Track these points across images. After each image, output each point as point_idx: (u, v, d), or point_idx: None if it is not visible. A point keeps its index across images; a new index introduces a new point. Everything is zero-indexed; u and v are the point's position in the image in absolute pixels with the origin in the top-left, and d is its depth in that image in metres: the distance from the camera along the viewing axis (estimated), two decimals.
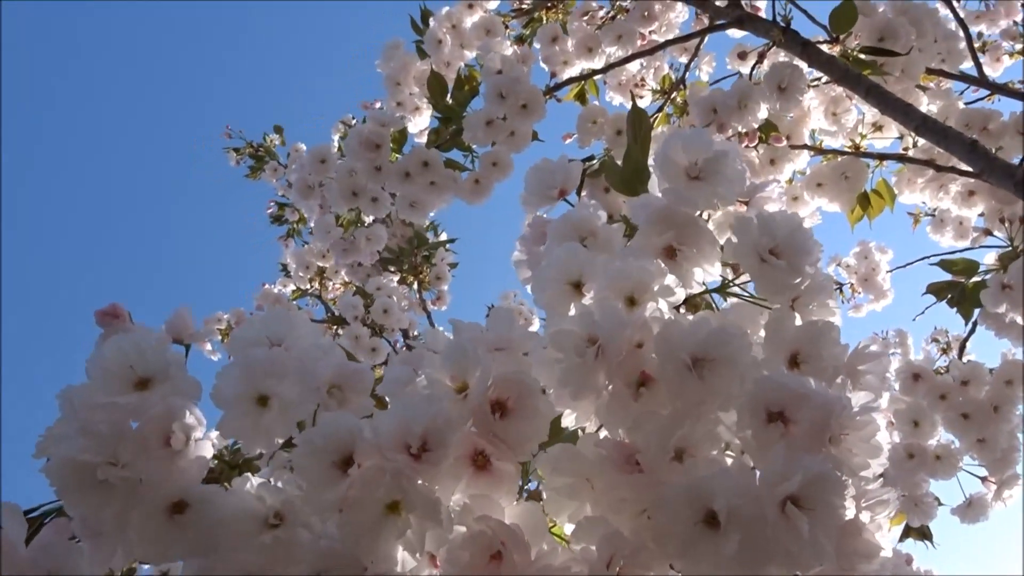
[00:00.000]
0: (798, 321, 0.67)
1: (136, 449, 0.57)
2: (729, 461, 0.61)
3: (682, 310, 0.74)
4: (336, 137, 3.38)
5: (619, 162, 0.93)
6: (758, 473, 0.56)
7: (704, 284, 0.73)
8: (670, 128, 2.18)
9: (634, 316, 0.64)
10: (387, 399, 0.74)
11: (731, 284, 0.73)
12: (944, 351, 2.15)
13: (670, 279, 0.67)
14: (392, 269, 3.05)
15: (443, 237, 3.26)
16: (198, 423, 0.60)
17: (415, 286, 3.18)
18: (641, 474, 0.59)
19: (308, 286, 3.41)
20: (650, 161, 0.85)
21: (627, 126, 1.01)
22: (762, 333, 0.67)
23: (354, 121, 2.90)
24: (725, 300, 0.74)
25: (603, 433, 0.65)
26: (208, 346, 3.56)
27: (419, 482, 0.57)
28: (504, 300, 3.49)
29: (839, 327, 0.65)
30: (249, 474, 0.61)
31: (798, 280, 0.66)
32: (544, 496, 0.64)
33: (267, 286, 3.51)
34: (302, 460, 0.58)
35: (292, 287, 3.45)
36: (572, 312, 0.68)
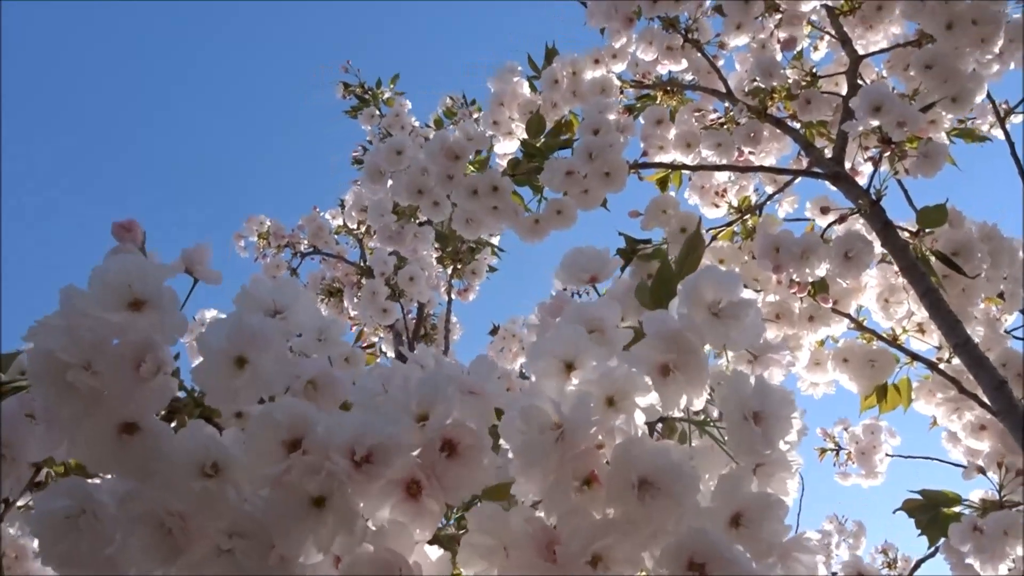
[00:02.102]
0: (754, 486, 0.69)
1: (109, 364, 0.59)
2: None
3: (659, 427, 0.76)
4: (440, 110, 3.42)
5: (671, 258, 0.95)
6: None
7: (684, 411, 0.75)
8: (731, 249, 2.19)
9: (606, 418, 0.66)
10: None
11: (711, 423, 0.75)
12: (889, 566, 2.13)
13: (653, 397, 0.69)
14: (437, 245, 3.06)
15: (495, 240, 3.28)
16: (170, 361, 0.62)
17: (450, 270, 3.19)
18: (554, 565, 0.61)
19: (355, 226, 3.44)
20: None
21: (685, 243, 1.02)
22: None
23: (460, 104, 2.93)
24: (700, 436, 0.75)
25: (541, 512, 0.66)
26: (241, 243, 3.62)
27: (349, 490, 0.59)
28: (511, 324, 3.51)
29: (788, 508, 0.67)
30: (204, 421, 0.63)
31: (768, 451, 0.68)
32: (459, 545, 0.66)
33: (317, 210, 3.56)
34: (256, 429, 0.60)
35: (340, 222, 3.48)
36: (553, 389, 0.70)
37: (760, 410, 0.69)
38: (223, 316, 0.67)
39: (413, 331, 3.18)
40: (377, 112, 3.69)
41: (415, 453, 0.63)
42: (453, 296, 3.28)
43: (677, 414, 0.75)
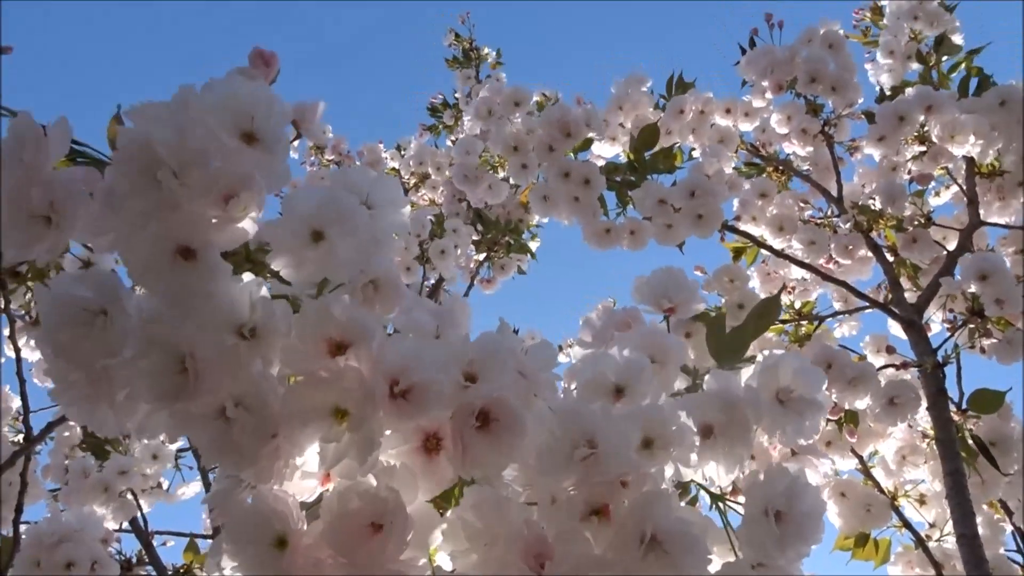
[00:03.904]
0: None
1: (202, 183, 0.55)
2: None
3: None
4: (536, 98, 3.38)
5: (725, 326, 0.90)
6: None
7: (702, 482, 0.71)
8: (774, 344, 2.14)
9: (643, 460, 0.63)
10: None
11: (726, 499, 0.71)
12: None
13: (694, 458, 0.65)
14: (478, 228, 3.03)
15: (535, 245, 3.24)
16: (259, 208, 0.58)
17: (481, 256, 3.16)
18: None
19: (406, 176, 3.40)
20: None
21: (756, 307, 0.97)
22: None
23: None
24: (711, 507, 0.71)
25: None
26: (296, 144, 3.57)
27: (378, 416, 0.55)
28: (529, 336, 3.45)
29: None
30: (253, 277, 0.59)
31: (775, 555, 0.64)
32: (448, 515, 0.61)
33: (380, 144, 3.51)
34: (310, 316, 0.57)
35: (394, 166, 3.44)
36: (596, 406, 0.66)
37: (786, 512, 0.65)
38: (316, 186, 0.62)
39: None
40: (473, 75, 3.64)
41: (449, 412, 0.60)
42: (476, 282, 3.24)
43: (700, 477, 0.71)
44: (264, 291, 0.57)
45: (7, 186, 0.56)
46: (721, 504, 0.69)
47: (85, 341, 0.56)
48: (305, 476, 0.60)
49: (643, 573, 0.58)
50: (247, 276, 0.59)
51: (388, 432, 0.58)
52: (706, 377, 0.74)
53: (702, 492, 0.71)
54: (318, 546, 0.58)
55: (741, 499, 0.68)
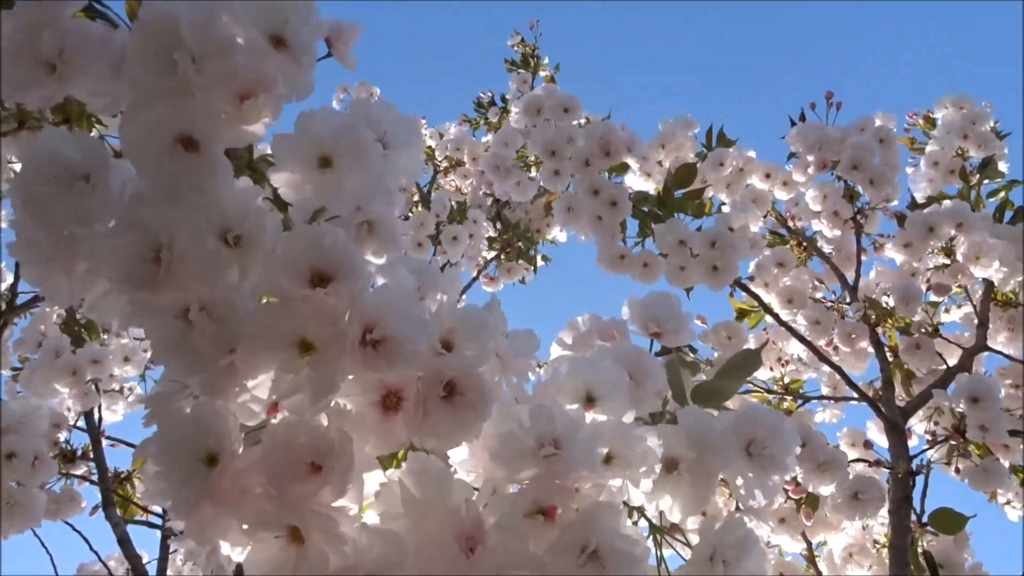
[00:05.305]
0: None
1: (221, 75, 0.52)
2: None
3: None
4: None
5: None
6: None
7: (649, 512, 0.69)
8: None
9: (600, 474, 0.61)
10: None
11: (666, 534, 0.69)
12: None
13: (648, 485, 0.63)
14: (497, 225, 3.02)
15: (541, 262, 3.23)
16: (273, 114, 0.56)
17: (491, 254, 3.14)
18: (463, 561, 0.54)
19: (438, 158, 3.39)
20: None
21: (737, 356, 0.95)
22: None
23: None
24: (648, 537, 0.69)
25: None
26: (341, 96, 3.55)
27: (343, 359, 0.53)
28: None
29: None
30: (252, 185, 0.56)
31: None
32: (388, 475, 0.59)
33: (424, 120, 3.49)
34: (299, 240, 0.54)
35: (431, 144, 3.43)
36: (570, 409, 0.64)
37: (732, 563, 0.62)
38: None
39: None
40: (529, 80, 3.63)
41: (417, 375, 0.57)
42: (480, 277, 3.22)
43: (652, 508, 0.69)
44: (260, 202, 0.55)
45: (19, 23, 0.53)
46: (660, 537, 0.67)
47: (59, 203, 0.54)
48: (253, 400, 0.58)
49: None
50: (245, 183, 0.57)
51: (350, 377, 0.56)
52: (680, 410, 0.72)
53: (643, 521, 0.69)
54: (250, 472, 0.55)
55: (679, 537, 0.66)
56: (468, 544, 0.54)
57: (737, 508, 0.79)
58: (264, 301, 0.56)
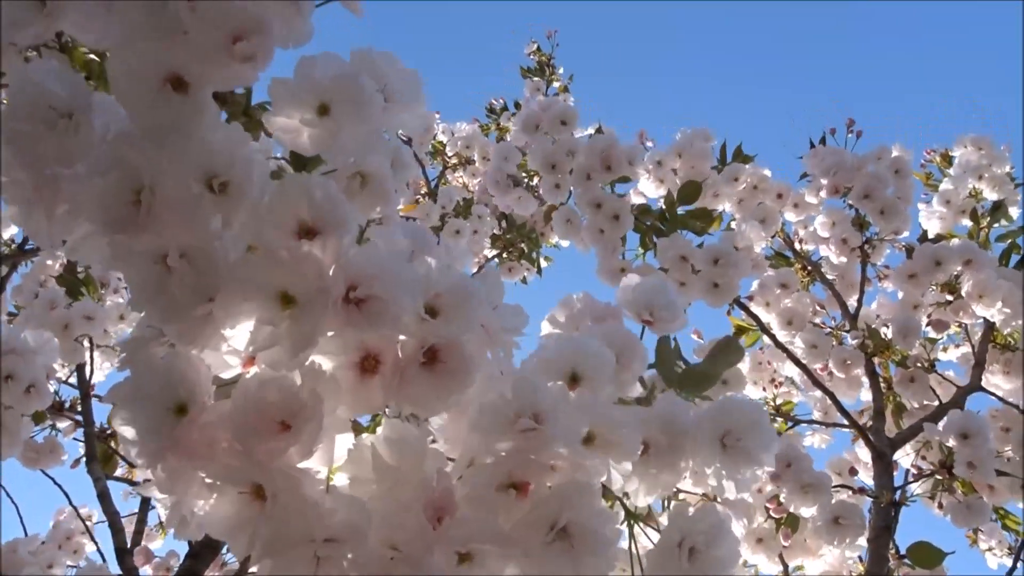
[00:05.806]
0: None
1: (213, 18, 0.51)
2: None
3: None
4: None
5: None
6: None
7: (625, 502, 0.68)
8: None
9: (579, 453, 0.59)
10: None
11: (641, 521, 0.67)
12: None
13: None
14: (503, 224, 3.01)
15: (545, 264, 3.22)
16: (266, 59, 0.55)
17: (493, 251, 3.14)
18: (429, 531, 0.53)
19: (448, 153, 3.39)
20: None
21: (718, 345, 0.93)
22: None
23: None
24: (622, 523, 0.67)
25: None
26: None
27: (324, 315, 0.52)
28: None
29: None
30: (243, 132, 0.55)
31: None
32: (360, 439, 0.58)
33: (437, 116, 3.49)
34: (288, 191, 0.53)
35: (442, 139, 3.43)
36: (554, 386, 0.63)
37: (701, 551, 0.61)
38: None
39: None
40: (544, 88, 3.62)
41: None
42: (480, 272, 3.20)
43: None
44: (249, 150, 0.54)
45: None
46: (634, 523, 0.66)
47: (41, 141, 0.53)
48: (229, 353, 0.56)
49: (543, 562, 0.55)
50: (237, 129, 0.56)
51: (329, 334, 0.54)
52: (659, 395, 0.71)
53: (618, 505, 0.68)
54: (218, 426, 0.54)
55: (654, 525, 0.65)
56: (436, 514, 0.53)
57: (714, 499, 0.77)
58: (248, 250, 0.55)
